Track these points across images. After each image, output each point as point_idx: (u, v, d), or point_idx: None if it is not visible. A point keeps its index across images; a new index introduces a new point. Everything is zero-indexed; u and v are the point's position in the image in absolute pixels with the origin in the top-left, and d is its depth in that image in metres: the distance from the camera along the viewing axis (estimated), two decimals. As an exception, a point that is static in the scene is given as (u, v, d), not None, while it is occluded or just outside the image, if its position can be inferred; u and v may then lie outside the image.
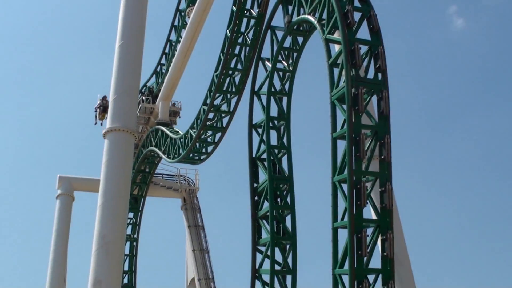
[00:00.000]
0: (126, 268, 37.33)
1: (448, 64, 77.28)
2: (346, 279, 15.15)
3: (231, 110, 26.45)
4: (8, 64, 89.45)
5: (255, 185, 22.05)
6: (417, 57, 78.37)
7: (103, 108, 34.77)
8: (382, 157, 15.72)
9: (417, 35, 78.98)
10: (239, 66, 24.89)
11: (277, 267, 20.68)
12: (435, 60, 77.68)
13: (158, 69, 38.24)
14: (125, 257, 35.84)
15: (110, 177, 23.14)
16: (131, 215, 38.67)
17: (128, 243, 37.93)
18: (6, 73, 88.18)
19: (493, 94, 75.12)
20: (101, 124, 36.10)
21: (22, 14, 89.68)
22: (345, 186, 15.57)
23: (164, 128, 32.73)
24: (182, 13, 35.46)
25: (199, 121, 27.36)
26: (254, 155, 22.29)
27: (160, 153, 33.02)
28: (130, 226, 38.84)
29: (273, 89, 21.95)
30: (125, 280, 37.69)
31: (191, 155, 29.35)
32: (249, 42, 23.91)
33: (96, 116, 35.72)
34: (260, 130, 22.27)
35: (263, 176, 21.83)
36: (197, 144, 28.33)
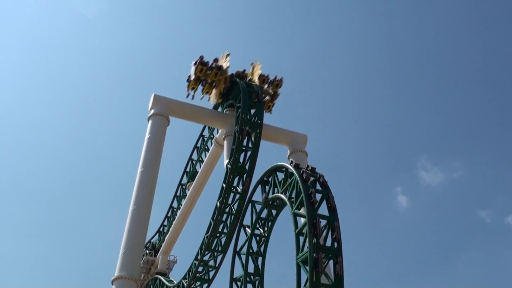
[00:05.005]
0: None
1: (394, 232, 77.64)
2: None
3: (216, 265, 25.83)
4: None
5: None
6: (370, 226, 78.72)
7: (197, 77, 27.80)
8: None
9: (369, 208, 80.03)
10: (225, 230, 24.74)
11: None
12: (384, 228, 78.07)
13: (161, 229, 37.85)
14: None
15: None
16: None
17: None
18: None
19: (430, 262, 74.78)
20: (192, 98, 28.62)
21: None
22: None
23: (161, 277, 31.63)
24: (184, 186, 35.91)
25: (190, 273, 26.54)
26: (234, 306, 21.46)
27: (157, 300, 31.63)
28: None
29: (251, 250, 21.70)
30: None
31: (182, 302, 28.11)
32: (234, 212, 23.99)
33: (187, 87, 28.58)
34: (239, 283, 21.67)
35: (240, 323, 20.86)
36: (188, 292, 27.26)
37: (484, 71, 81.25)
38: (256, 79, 28.25)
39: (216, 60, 28.55)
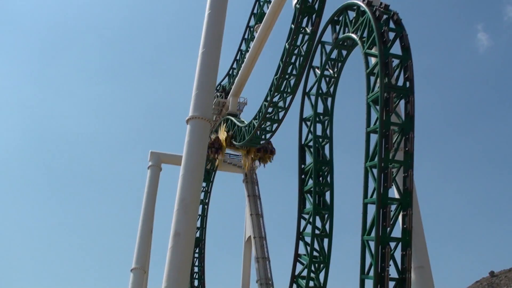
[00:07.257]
0: (198, 225, 37.76)
1: (471, 72, 74.15)
2: (372, 244, 15.02)
3: (286, 106, 26.33)
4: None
5: (303, 166, 21.97)
6: (445, 66, 75.44)
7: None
8: (406, 149, 15.49)
9: (446, 48, 75.67)
10: (294, 72, 24.72)
11: (317, 232, 20.63)
12: (460, 68, 74.55)
13: (230, 72, 38.34)
14: (198, 216, 36.28)
15: (190, 154, 23.41)
16: (204, 184, 39.02)
17: (201, 206, 38.34)
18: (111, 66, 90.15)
19: (508, 103, 71.90)
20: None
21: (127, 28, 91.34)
22: (375, 171, 15.39)
23: (232, 118, 32.89)
24: (251, 29, 35.42)
25: (260, 114, 27.35)
26: (303, 143, 22.20)
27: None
28: (203, 193, 39.20)
29: (320, 91, 21.78)
30: (197, 234, 38.14)
31: (253, 140, 29.42)
32: (303, 53, 23.70)
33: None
34: (308, 123, 22.17)
35: (309, 159, 21.73)
36: (258, 132, 28.37)
37: None
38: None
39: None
